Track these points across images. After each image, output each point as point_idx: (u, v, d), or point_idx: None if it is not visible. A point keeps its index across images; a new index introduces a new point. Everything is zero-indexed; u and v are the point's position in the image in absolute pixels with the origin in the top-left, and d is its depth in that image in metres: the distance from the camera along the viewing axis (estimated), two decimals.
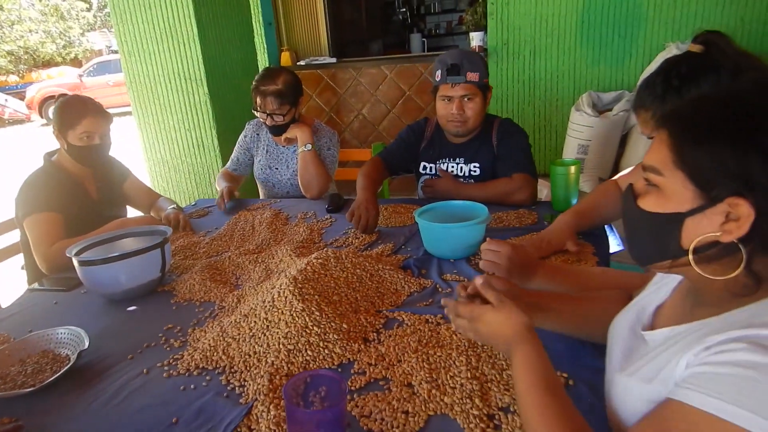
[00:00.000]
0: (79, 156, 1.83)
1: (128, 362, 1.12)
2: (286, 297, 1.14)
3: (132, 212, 2.12)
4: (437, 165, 1.97)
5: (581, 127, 3.74)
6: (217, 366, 1.06)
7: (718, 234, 0.62)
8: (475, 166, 1.92)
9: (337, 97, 4.44)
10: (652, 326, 0.78)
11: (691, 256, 0.65)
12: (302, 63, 4.49)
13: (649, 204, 0.68)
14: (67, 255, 1.41)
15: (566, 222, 1.42)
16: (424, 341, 1.06)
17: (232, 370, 1.04)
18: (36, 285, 1.58)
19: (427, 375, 0.94)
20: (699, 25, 3.54)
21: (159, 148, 3.74)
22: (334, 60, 4.49)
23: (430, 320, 1.13)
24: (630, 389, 0.71)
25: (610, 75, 3.88)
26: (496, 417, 0.84)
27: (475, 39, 4.15)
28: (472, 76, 1.77)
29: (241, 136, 2.35)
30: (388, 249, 1.51)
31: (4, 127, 13.13)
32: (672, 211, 0.65)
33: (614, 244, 1.64)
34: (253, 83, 2.12)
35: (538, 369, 0.75)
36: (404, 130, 2.05)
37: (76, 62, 18.78)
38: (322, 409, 0.83)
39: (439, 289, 1.28)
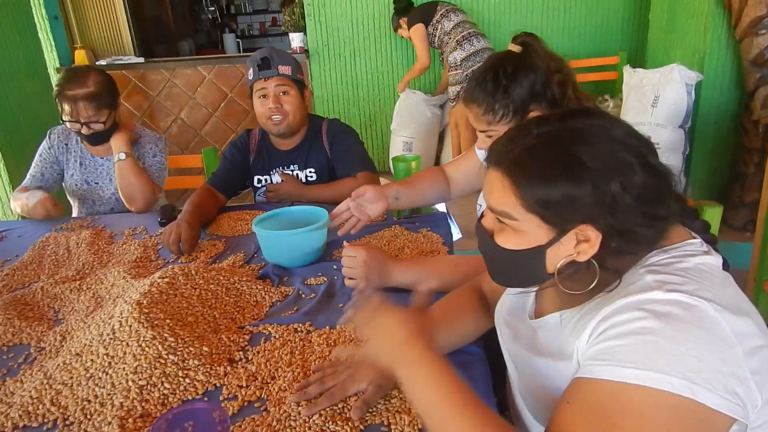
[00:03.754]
0: None
1: None
2: (130, 325, 0.98)
3: None
4: (271, 175, 1.89)
5: (405, 125, 3.95)
6: (45, 421, 0.86)
7: (574, 255, 0.70)
8: (311, 171, 1.88)
9: (149, 100, 4.04)
10: (538, 314, 0.82)
11: (556, 278, 0.72)
12: (103, 63, 3.98)
13: (508, 242, 0.73)
14: None
15: (387, 185, 1.43)
16: (297, 352, 0.99)
17: (67, 422, 0.85)
18: None
19: None
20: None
21: None
22: (141, 60, 4.06)
23: (299, 329, 1.07)
24: (543, 368, 0.74)
25: (424, 77, 4.13)
26: (384, 424, 0.82)
27: (296, 40, 4.11)
28: (284, 69, 1.74)
29: (44, 147, 1.97)
30: (239, 259, 1.40)
31: None
32: (533, 245, 0.71)
33: (455, 233, 1.74)
34: (56, 88, 1.79)
35: (444, 375, 0.69)
36: (227, 149, 1.92)
37: None
38: None
39: (302, 295, 1.21)
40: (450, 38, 3.43)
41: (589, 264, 0.70)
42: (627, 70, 3.30)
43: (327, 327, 1.07)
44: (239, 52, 6.82)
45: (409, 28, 3.57)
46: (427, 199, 1.54)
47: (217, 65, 4.04)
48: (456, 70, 3.51)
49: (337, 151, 1.84)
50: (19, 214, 1.95)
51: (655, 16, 3.61)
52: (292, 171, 1.87)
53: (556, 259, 0.71)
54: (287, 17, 4.13)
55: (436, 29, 3.49)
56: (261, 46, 7.66)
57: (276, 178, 1.88)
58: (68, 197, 2.06)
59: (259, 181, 1.91)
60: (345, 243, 1.24)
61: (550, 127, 0.70)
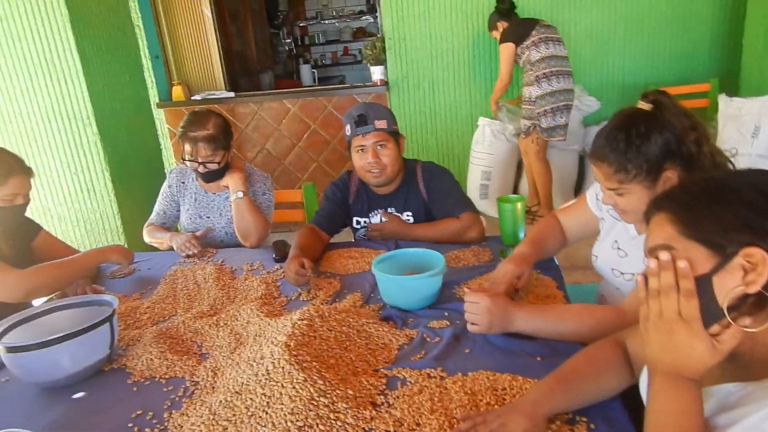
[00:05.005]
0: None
1: None
2: (283, 367, 1.05)
3: None
4: (370, 218, 1.96)
5: (483, 155, 3.97)
6: None
7: (743, 287, 0.68)
8: (408, 215, 1.93)
9: (238, 132, 4.27)
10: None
11: (726, 314, 0.69)
12: (197, 98, 4.26)
13: None
14: None
15: (523, 252, 1.46)
16: (436, 399, 1.03)
17: None
18: None
19: None
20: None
21: (38, 195, 3.31)
22: (232, 94, 4.32)
23: (432, 375, 1.11)
24: None
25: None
26: None
27: (376, 73, 4.24)
28: (380, 124, 1.80)
29: (165, 187, 2.16)
30: (358, 299, 1.47)
31: None
32: (698, 274, 0.70)
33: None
34: (180, 130, 1.97)
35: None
36: (329, 189, 2.00)
37: None
38: None
39: (428, 339, 1.26)
40: (532, 71, 3.44)
41: (764, 301, 0.67)
42: (723, 99, 3.19)
43: (459, 373, 1.10)
44: (314, 80, 7.10)
45: (500, 43, 3.54)
46: (553, 254, 1.59)
47: (301, 98, 4.24)
48: (529, 104, 3.51)
49: (435, 193, 1.89)
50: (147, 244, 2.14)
51: (750, 41, 3.48)
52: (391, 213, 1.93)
53: (724, 289, 0.69)
54: (368, 51, 4.27)
55: (524, 53, 3.47)
56: (333, 75, 8.01)
57: (375, 219, 1.94)
58: (182, 230, 2.22)
59: (358, 222, 1.98)
60: (466, 289, 1.28)
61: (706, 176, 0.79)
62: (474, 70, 4.18)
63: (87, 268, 1.72)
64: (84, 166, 3.25)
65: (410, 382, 1.09)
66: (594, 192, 1.48)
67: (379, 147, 1.81)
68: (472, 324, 1.22)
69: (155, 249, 2.14)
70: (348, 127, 1.83)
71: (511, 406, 0.94)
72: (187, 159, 1.98)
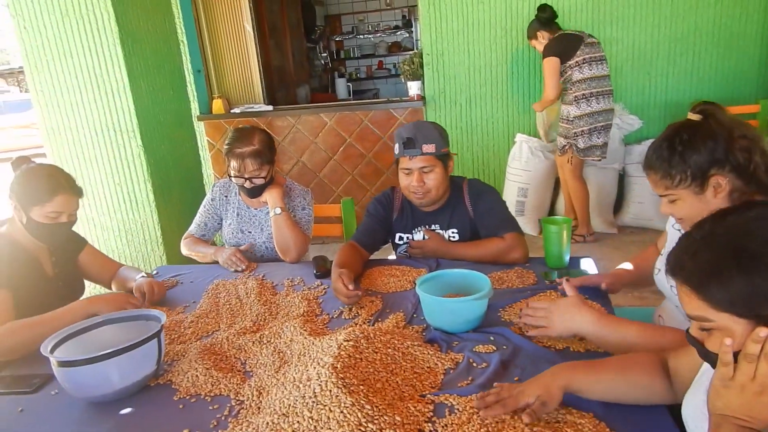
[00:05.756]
0: (41, 234, 1.63)
1: None
2: (330, 390, 1.04)
3: (89, 286, 1.89)
4: (413, 234, 1.95)
5: (519, 172, 3.92)
6: None
7: None
8: (453, 232, 1.91)
9: (276, 144, 4.32)
10: None
11: None
12: (237, 111, 4.34)
13: (717, 346, 0.75)
14: (43, 353, 1.20)
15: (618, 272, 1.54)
16: (485, 429, 1.00)
17: None
18: None
19: None
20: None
21: (84, 206, 3.40)
22: (270, 108, 4.38)
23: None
24: None
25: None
26: None
27: (413, 88, 4.25)
28: (428, 148, 1.77)
29: (208, 199, 2.18)
30: (400, 319, 1.45)
31: None
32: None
33: None
34: (226, 146, 2.00)
35: None
36: (372, 205, 1.99)
37: None
38: None
39: (474, 364, 1.23)
40: (572, 90, 3.39)
41: None
42: None
43: None
44: (349, 94, 7.16)
45: (544, 57, 3.48)
46: (644, 285, 1.58)
47: (337, 112, 4.27)
48: (566, 123, 3.45)
49: (481, 211, 1.86)
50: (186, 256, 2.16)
51: None
52: (433, 230, 1.91)
53: None
54: (406, 66, 4.28)
55: (566, 72, 3.42)
56: (367, 89, 8.06)
57: (418, 235, 1.93)
58: (225, 243, 2.24)
59: (401, 238, 1.97)
60: (528, 304, 1.28)
61: (710, 227, 0.77)
62: (512, 86, 4.14)
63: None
64: (128, 177, 3.34)
65: (458, 409, 1.06)
66: None
67: (424, 171, 1.79)
68: (534, 327, 1.25)
69: (192, 261, 2.16)
70: (397, 147, 1.82)
71: (533, 378, 1.05)
72: (233, 175, 2.00)
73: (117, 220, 3.43)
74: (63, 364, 1.17)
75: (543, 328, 1.23)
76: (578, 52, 3.38)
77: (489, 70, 4.16)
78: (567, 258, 1.72)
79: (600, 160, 3.54)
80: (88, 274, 1.86)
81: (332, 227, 2.44)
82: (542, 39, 3.58)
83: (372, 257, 1.96)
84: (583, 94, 3.35)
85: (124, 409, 1.19)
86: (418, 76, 4.25)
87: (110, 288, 1.88)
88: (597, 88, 3.36)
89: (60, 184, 1.64)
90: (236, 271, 1.92)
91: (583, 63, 3.37)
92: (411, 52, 6.87)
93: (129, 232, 3.44)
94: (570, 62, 3.39)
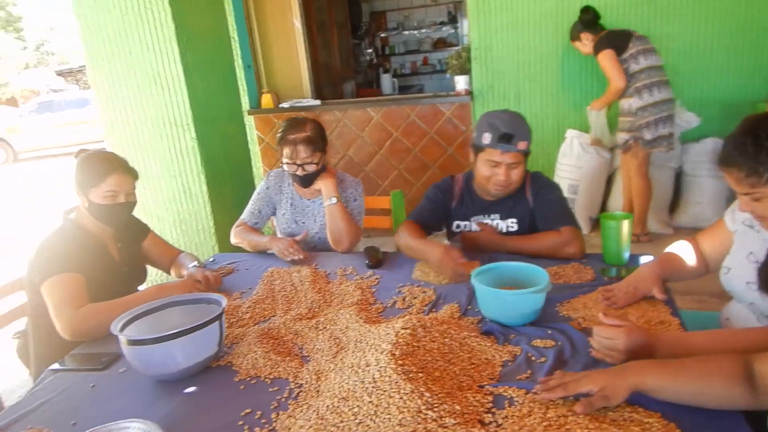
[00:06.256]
0: (102, 215, 1.69)
1: None
2: (389, 376, 1.05)
3: (151, 271, 1.96)
4: (471, 222, 1.93)
5: (570, 168, 3.83)
6: None
7: None
8: (512, 222, 1.88)
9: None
10: None
11: None
12: (285, 105, 4.42)
13: None
14: (112, 332, 1.26)
15: (652, 269, 1.42)
16: (553, 423, 0.98)
17: None
18: (60, 364, 1.40)
19: None
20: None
21: (142, 197, 3.53)
22: (318, 102, 4.44)
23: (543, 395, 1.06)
24: None
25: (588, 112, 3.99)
26: None
27: (461, 83, 4.22)
28: (522, 145, 1.75)
29: (262, 188, 2.22)
30: (455, 310, 1.44)
31: None
32: None
33: None
34: (279, 134, 2.03)
35: None
36: (431, 191, 1.99)
37: (12, 102, 17.94)
38: None
39: (532, 358, 1.21)
40: (631, 82, 3.29)
41: None
42: None
43: (571, 398, 1.05)
44: (394, 89, 7.17)
45: (596, 53, 3.40)
46: (685, 278, 1.50)
47: (384, 106, 4.28)
48: (629, 117, 3.34)
49: (541, 204, 1.84)
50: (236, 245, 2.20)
51: None
52: (492, 220, 1.89)
53: None
54: (453, 61, 4.25)
55: (622, 64, 3.33)
56: (413, 84, 8.05)
57: (474, 226, 1.91)
58: (277, 233, 2.29)
59: (458, 226, 1.96)
60: (601, 315, 1.17)
61: None
62: (563, 80, 4.05)
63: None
64: (182, 169, 3.45)
65: (518, 402, 1.05)
66: (732, 207, 1.40)
67: (512, 167, 1.77)
68: (603, 356, 1.15)
69: (242, 250, 2.19)
70: (486, 136, 1.75)
71: (601, 369, 1.03)
72: (285, 162, 2.03)
73: (172, 211, 3.55)
74: (132, 342, 1.22)
75: (613, 356, 1.12)
76: (630, 45, 3.31)
77: (538, 65, 4.08)
78: (626, 255, 1.67)
79: (668, 152, 3.42)
80: (150, 259, 1.93)
81: (381, 219, 2.46)
82: (586, 41, 3.54)
83: None
84: (644, 84, 3.26)
85: (188, 388, 1.23)
86: (465, 70, 4.21)
87: (170, 273, 1.95)
88: (656, 78, 3.27)
89: (113, 165, 1.71)
90: (292, 261, 1.93)
91: (638, 54, 3.29)
92: (456, 48, 6.82)
93: (183, 222, 3.54)
94: (624, 55, 3.30)
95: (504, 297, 1.33)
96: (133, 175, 1.75)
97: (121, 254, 1.80)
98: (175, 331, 1.21)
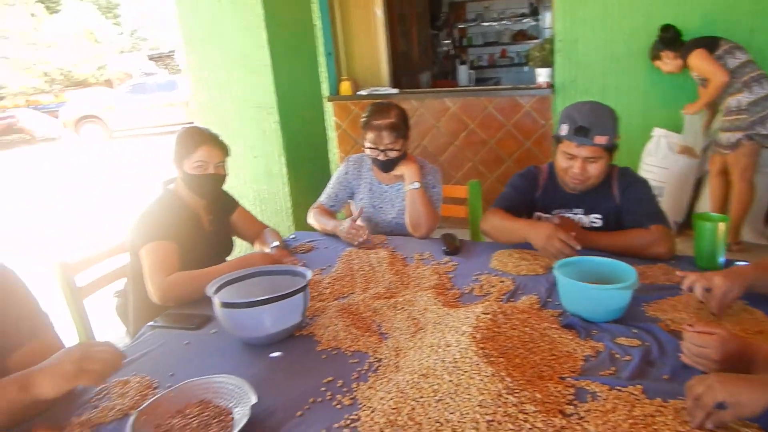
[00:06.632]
0: (193, 185, 1.80)
1: (298, 420, 1.05)
2: (470, 358, 1.06)
3: (238, 243, 2.08)
4: (552, 215, 1.89)
5: (655, 168, 3.65)
6: None
7: None
8: (596, 217, 1.83)
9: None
10: None
11: None
12: (363, 93, 4.48)
13: None
14: (207, 294, 1.34)
15: (744, 271, 1.31)
16: (632, 421, 0.96)
17: None
18: (158, 321, 1.52)
19: None
20: None
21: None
22: (396, 91, 4.47)
23: (631, 394, 1.03)
24: None
25: (683, 115, 3.79)
26: None
27: (542, 75, 4.11)
28: (600, 139, 1.67)
29: (341, 172, 2.28)
30: (534, 301, 1.43)
31: (35, 145, 13.38)
32: None
33: None
34: (363, 119, 2.08)
35: None
36: (515, 179, 1.96)
37: (108, 83, 19.26)
38: None
39: (616, 356, 1.18)
40: (735, 78, 3.08)
41: None
42: None
43: (659, 398, 1.01)
44: (470, 81, 7.09)
45: (686, 57, 3.25)
46: None
47: (461, 97, 4.25)
48: (736, 114, 3.13)
49: (629, 200, 1.77)
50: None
51: None
52: (575, 214, 1.85)
53: None
54: (536, 53, 4.15)
55: (719, 61, 3.14)
56: (489, 77, 7.92)
57: (555, 219, 1.87)
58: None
59: (539, 218, 1.93)
60: (689, 327, 1.11)
61: None
62: (652, 76, 3.84)
63: None
64: (264, 150, 3.59)
65: (601, 397, 1.03)
66: None
67: (589, 161, 1.72)
68: (694, 363, 1.09)
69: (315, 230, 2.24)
70: (564, 127, 1.72)
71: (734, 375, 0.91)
72: (368, 147, 2.07)
73: (253, 190, 3.71)
74: (225, 305, 1.30)
75: (707, 363, 1.06)
76: (720, 43, 3.15)
77: (627, 60, 3.89)
78: (722, 260, 1.58)
79: None
80: (238, 232, 2.04)
81: (456, 209, 2.45)
82: (667, 59, 3.41)
83: None
84: (751, 78, 3.06)
85: (273, 353, 1.30)
86: (548, 63, 4.09)
87: (254, 246, 2.05)
88: (758, 71, 3.06)
89: (203, 138, 1.82)
90: (358, 244, 1.94)
91: (732, 49, 3.11)
92: (536, 41, 6.64)
93: (262, 201, 3.70)
94: (718, 52, 3.11)
95: (589, 291, 1.30)
96: (222, 148, 1.85)
97: (211, 225, 1.91)
98: (265, 297, 1.28)
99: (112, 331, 2.32)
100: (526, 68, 7.69)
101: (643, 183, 1.81)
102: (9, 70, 17.33)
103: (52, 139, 13.63)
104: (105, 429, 1.07)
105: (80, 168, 9.37)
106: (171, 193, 1.85)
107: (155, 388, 1.19)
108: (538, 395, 1.01)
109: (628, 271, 1.35)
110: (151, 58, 19.71)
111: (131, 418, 1.01)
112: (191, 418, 1.05)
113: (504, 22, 8.33)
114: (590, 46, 3.96)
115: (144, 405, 1.06)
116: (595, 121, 1.68)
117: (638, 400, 1.02)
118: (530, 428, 0.94)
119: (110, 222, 5.57)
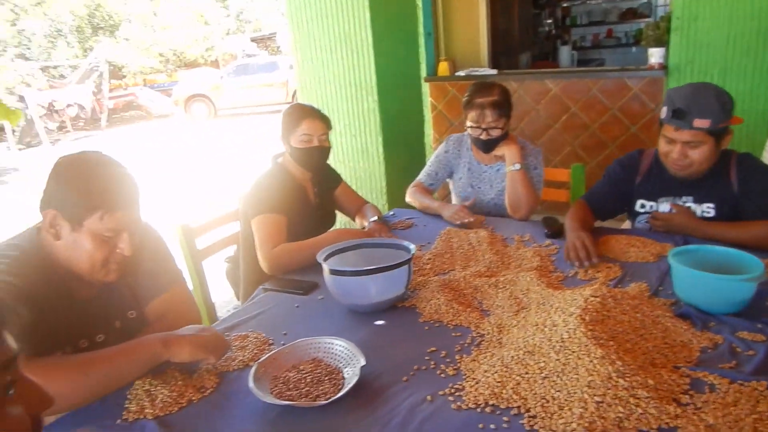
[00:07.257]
0: (300, 158, 1.90)
1: (404, 385, 1.09)
2: (579, 338, 1.05)
3: (339, 217, 2.17)
4: (659, 203, 1.79)
5: None
6: (509, 406, 0.99)
7: None
8: (708, 207, 1.71)
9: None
10: None
11: None
12: (461, 74, 4.42)
13: None
14: (318, 261, 1.42)
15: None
16: (756, 416, 0.91)
17: (530, 414, 0.96)
18: (269, 285, 1.63)
19: None
20: None
21: None
22: (494, 72, 4.37)
23: (756, 389, 0.97)
24: None
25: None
26: None
27: (655, 56, 3.84)
28: (701, 123, 1.55)
29: (441, 151, 2.29)
30: (644, 289, 1.37)
31: (151, 121, 14.51)
32: None
33: None
34: (466, 98, 2.07)
35: None
36: (613, 167, 1.88)
37: (214, 64, 20.38)
38: None
39: (737, 349, 1.12)
40: None
41: None
42: None
43: None
44: (572, 63, 6.77)
45: None
46: None
47: (564, 79, 4.08)
48: None
49: (751, 189, 1.64)
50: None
51: None
52: (684, 202, 1.74)
53: None
54: (649, 32, 3.88)
55: None
56: (592, 58, 7.52)
57: (663, 206, 1.78)
58: (453, 197, 2.35)
59: (642, 206, 1.83)
60: None
61: None
62: None
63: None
64: (362, 129, 3.68)
65: (720, 390, 0.99)
66: None
67: (690, 146, 1.61)
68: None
69: (413, 208, 2.28)
70: (664, 110, 1.65)
71: None
72: (470, 126, 2.07)
73: (349, 168, 3.82)
74: (334, 272, 1.38)
75: None
76: None
77: (754, 38, 3.54)
78: None
79: None
80: (340, 206, 2.13)
81: (557, 192, 2.39)
82: None
83: (608, 225, 1.87)
84: None
85: (377, 321, 1.36)
86: (662, 42, 3.82)
87: (354, 221, 2.13)
88: None
89: (306, 112, 1.92)
90: (463, 225, 1.94)
91: None
92: (647, 20, 6.20)
93: (358, 179, 3.80)
94: None
95: (710, 281, 1.23)
96: (324, 121, 1.93)
97: (316, 198, 2.00)
98: (372, 267, 1.34)
99: (221, 293, 2.52)
100: (634, 49, 7.20)
101: (767, 171, 1.66)
102: (130, 51, 18.86)
103: (165, 116, 14.73)
104: (229, 376, 1.18)
105: (192, 143, 10.07)
106: (280, 167, 1.95)
107: (270, 344, 1.29)
108: (651, 381, 0.98)
109: (753, 262, 1.26)
110: (253, 39, 20.62)
111: (252, 369, 1.10)
112: (305, 373, 1.12)
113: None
114: (711, 24, 3.64)
115: (262, 358, 1.15)
116: (694, 104, 1.56)
117: (763, 396, 0.96)
118: (642, 413, 0.92)
119: (222, 192, 5.96)
